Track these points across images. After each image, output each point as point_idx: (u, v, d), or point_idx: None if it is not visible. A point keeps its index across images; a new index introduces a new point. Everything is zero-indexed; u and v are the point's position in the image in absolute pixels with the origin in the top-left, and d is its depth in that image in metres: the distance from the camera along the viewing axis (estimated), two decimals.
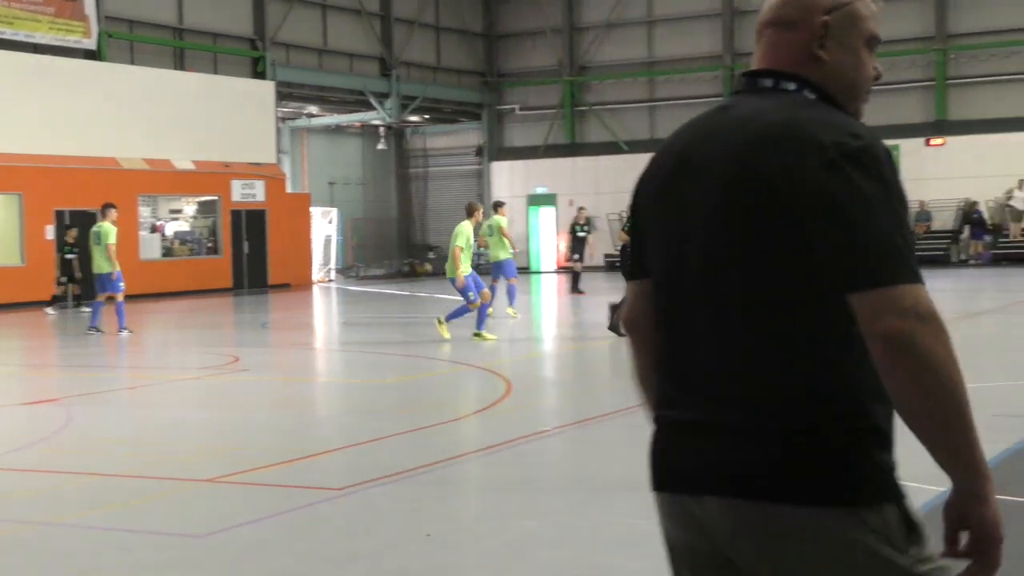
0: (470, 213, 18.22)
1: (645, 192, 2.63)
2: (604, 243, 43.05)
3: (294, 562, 6.38)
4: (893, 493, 2.34)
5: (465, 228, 17.88)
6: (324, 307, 29.71)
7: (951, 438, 2.30)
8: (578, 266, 29.70)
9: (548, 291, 33.38)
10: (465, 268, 17.50)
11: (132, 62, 33.69)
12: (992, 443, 8.71)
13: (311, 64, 40.03)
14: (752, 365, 2.35)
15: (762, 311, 2.34)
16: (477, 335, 17.55)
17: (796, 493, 2.28)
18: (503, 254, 21.80)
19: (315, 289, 35.95)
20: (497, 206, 22.88)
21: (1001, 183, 38.13)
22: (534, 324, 19.46)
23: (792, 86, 2.51)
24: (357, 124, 45.01)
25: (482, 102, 46.98)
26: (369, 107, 42.32)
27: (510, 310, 21.23)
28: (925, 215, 39.90)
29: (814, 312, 2.30)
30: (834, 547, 2.27)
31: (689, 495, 2.44)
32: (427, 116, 46.35)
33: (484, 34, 47.28)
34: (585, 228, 30.45)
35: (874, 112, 34.97)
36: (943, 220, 39.84)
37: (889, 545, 2.29)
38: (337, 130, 45.43)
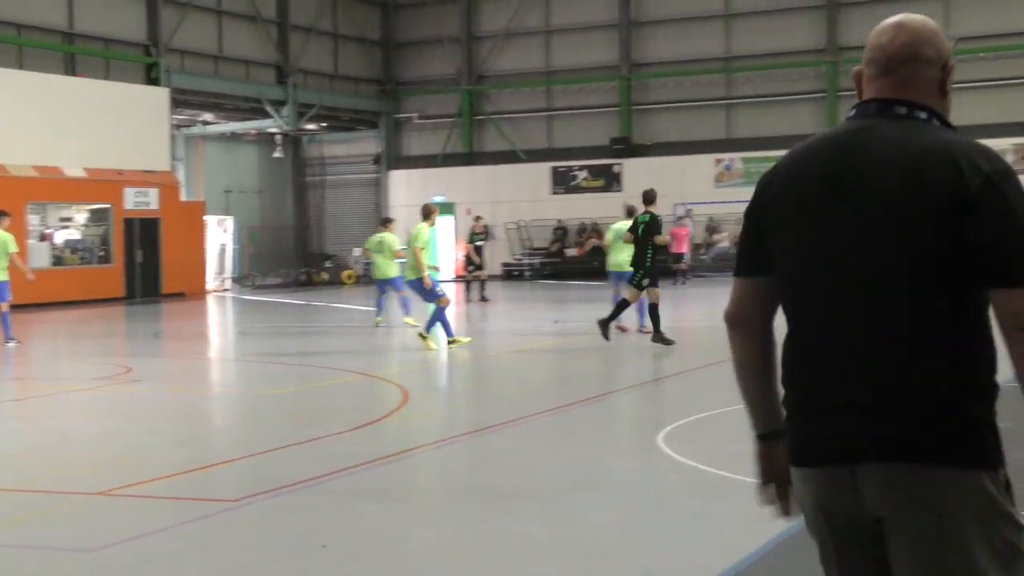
0: (427, 215, 17.78)
1: (778, 202, 2.98)
2: (502, 252, 43.21)
3: (190, 575, 6.28)
4: (1003, 459, 2.81)
5: (423, 230, 17.49)
6: (219, 317, 29.37)
7: None
8: (483, 275, 29.67)
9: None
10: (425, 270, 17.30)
11: (21, 67, 33.01)
12: None
13: (206, 71, 39.58)
14: (905, 351, 2.78)
15: (915, 306, 2.77)
16: (424, 337, 17.31)
17: (946, 456, 2.75)
18: (392, 271, 21.61)
19: (210, 298, 35.52)
20: (386, 222, 22.80)
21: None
22: (434, 333, 19.40)
23: (923, 115, 2.92)
24: (253, 132, 44.59)
25: (380, 110, 46.85)
26: (265, 115, 41.98)
27: (409, 320, 21.10)
28: None
29: (956, 307, 2.76)
30: (977, 501, 2.74)
31: (843, 465, 2.84)
32: (324, 124, 46.10)
33: (382, 42, 47.17)
34: (482, 237, 30.35)
35: (769, 123, 35.64)
36: None
37: (1007, 500, 2.79)
38: (233, 138, 44.96)
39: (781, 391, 3.07)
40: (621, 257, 18.29)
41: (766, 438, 3.19)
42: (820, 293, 2.89)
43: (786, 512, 3.31)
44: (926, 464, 2.75)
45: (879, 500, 2.81)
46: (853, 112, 3.06)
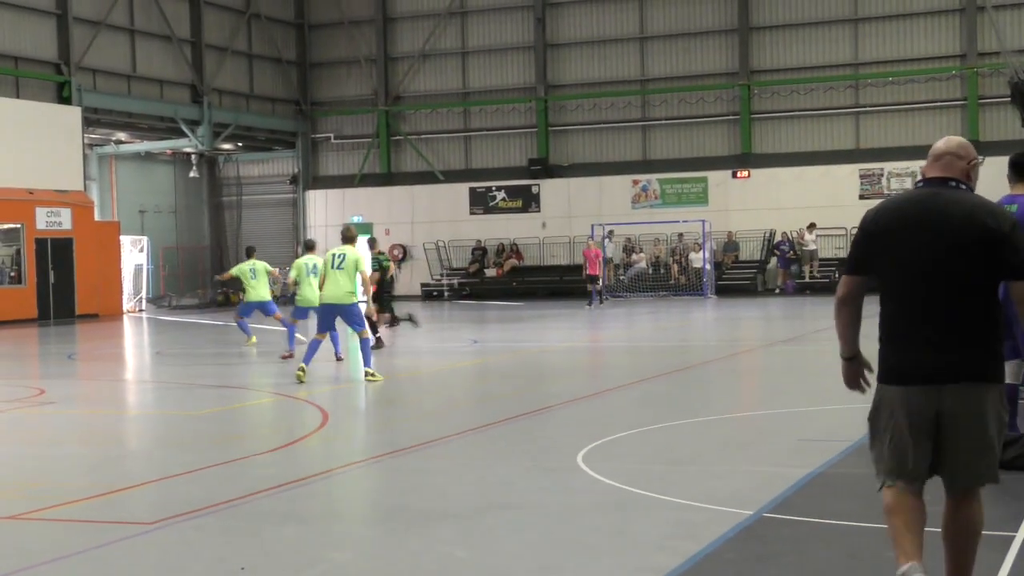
0: (351, 238, 17.03)
1: (883, 232, 5.32)
2: (421, 272, 43.17)
3: None
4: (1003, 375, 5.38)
5: (359, 253, 16.54)
6: (134, 337, 29.02)
7: None
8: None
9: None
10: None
11: None
12: (796, 467, 9.03)
13: (119, 90, 39.18)
14: (965, 316, 5.19)
15: (967, 291, 5.18)
16: (339, 359, 17.34)
17: (991, 377, 5.22)
18: (267, 294, 22.16)
19: (125, 319, 35.08)
20: (250, 252, 22.95)
21: (800, 215, 39.57)
22: (351, 354, 19.37)
23: (964, 187, 5.35)
24: (168, 151, 44.20)
25: (296, 130, 46.68)
26: (180, 134, 41.65)
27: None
28: (733, 245, 41.10)
29: (989, 292, 5.20)
30: (996, 401, 5.24)
31: (931, 385, 5.20)
32: (240, 144, 45.83)
33: (298, 62, 47.02)
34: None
35: (684, 145, 36.09)
36: (750, 250, 41.09)
37: (1004, 399, 5.39)
38: (147, 157, 44.53)
39: (852, 339, 5.60)
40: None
41: (851, 359, 5.59)
42: (911, 286, 5.26)
43: (863, 391, 5.68)
44: (976, 382, 5.19)
45: (949, 404, 5.18)
46: (921, 183, 5.44)
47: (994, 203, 5.28)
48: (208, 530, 7.63)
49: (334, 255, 16.21)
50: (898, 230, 5.26)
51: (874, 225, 5.33)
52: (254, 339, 22.38)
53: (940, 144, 5.44)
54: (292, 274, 20.29)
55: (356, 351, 17.11)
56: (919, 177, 5.68)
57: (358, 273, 16.03)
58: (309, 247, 21.36)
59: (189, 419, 13.35)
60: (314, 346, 16.40)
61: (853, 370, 5.61)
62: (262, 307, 22.31)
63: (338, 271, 15.99)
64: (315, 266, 19.43)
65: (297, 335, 20.10)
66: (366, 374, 15.93)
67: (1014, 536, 6.87)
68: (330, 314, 16.40)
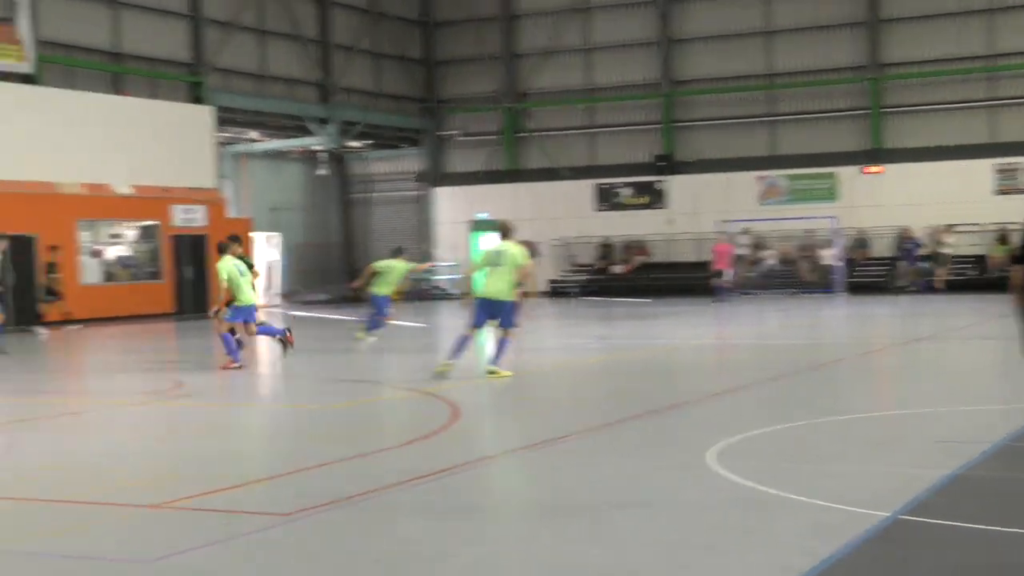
0: (508, 233, 16.45)
1: None
2: (547, 269, 43.24)
3: None
4: None
5: (518, 248, 16.30)
6: None
7: None
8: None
9: None
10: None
11: (69, 86, 33.42)
12: (934, 469, 8.84)
13: (250, 89, 39.92)
14: None
15: None
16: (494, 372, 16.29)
17: None
18: (387, 291, 22.68)
19: (260, 314, 35.66)
20: (397, 252, 23.33)
21: (933, 211, 38.72)
22: (480, 351, 19.44)
23: None
24: (298, 149, 44.91)
25: (422, 128, 47.04)
26: (309, 132, 42.27)
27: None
28: (863, 242, 40.39)
29: None
30: None
31: None
32: (368, 142, 46.34)
33: (423, 60, 47.37)
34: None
35: (812, 140, 35.66)
36: (882, 247, 40.34)
37: None
38: (278, 155, 45.29)
39: None
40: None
41: None
42: None
43: None
44: None
45: None
46: None
47: None
48: (343, 523, 7.73)
49: (495, 251, 16.10)
50: None
51: None
52: (374, 335, 22.46)
53: None
54: (223, 276, 18.76)
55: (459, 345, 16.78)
56: None
57: (516, 269, 15.89)
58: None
59: (323, 412, 13.55)
60: (464, 342, 16.25)
61: None
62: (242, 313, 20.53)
63: (498, 267, 15.88)
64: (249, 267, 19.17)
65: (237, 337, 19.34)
66: (489, 371, 15.91)
67: None
68: (487, 309, 16.13)
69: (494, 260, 15.94)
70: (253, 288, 19.20)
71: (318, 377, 17.45)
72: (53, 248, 30.49)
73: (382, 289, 22.52)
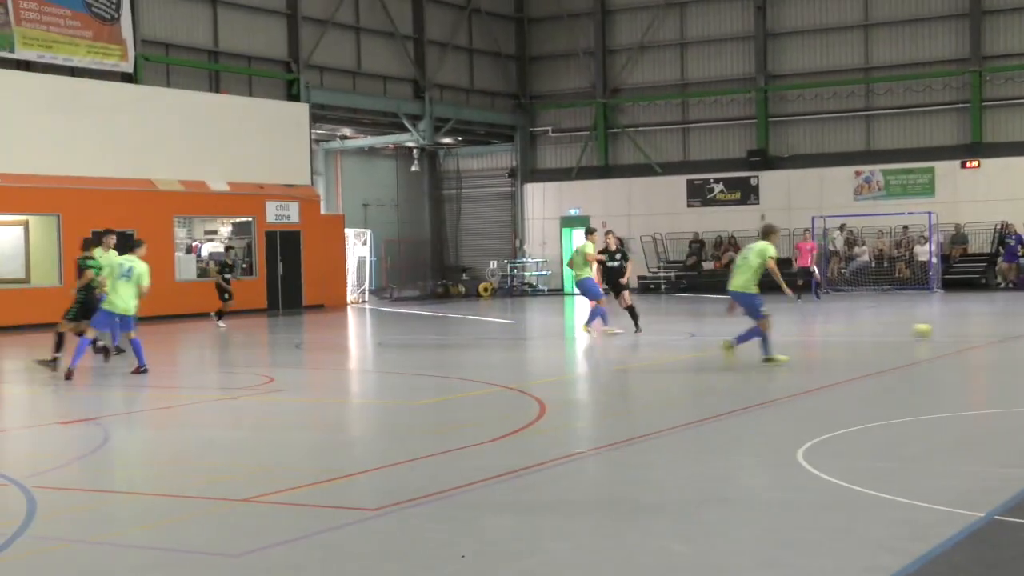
0: (768, 233, 17.04)
1: None
2: (639, 265, 43.01)
3: None
4: None
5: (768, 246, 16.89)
6: (358, 328, 29.80)
7: None
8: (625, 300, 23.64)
9: (585, 314, 33.33)
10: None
11: (168, 84, 33.99)
12: None
13: (345, 86, 40.27)
14: None
15: None
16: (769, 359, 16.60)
17: None
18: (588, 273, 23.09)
19: (349, 310, 36.06)
20: (589, 232, 23.94)
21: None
22: (568, 347, 19.50)
23: None
24: (391, 146, 45.21)
25: (515, 124, 47.10)
26: (402, 129, 42.54)
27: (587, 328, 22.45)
28: (961, 238, 39.68)
29: None
30: None
31: None
32: (460, 138, 46.53)
33: (517, 56, 47.44)
34: (616, 257, 23.76)
35: (909, 134, 35.11)
36: (980, 243, 39.61)
37: None
38: (371, 152, 45.65)
39: None
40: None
41: None
42: None
43: None
44: None
45: None
46: None
47: None
48: (429, 517, 7.77)
49: (750, 249, 16.77)
50: None
51: None
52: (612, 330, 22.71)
53: None
54: (105, 273, 17.54)
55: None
56: None
57: (758, 267, 16.53)
58: (107, 235, 19.06)
59: (411, 408, 13.64)
60: (756, 333, 16.61)
61: None
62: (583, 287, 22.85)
63: (743, 263, 16.65)
64: (130, 268, 17.05)
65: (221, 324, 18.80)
66: (766, 359, 16.44)
67: None
68: (738, 302, 16.87)
69: (744, 257, 16.83)
70: (134, 295, 17.14)
71: (408, 372, 17.55)
72: (228, 248, 31.89)
73: (584, 272, 22.85)
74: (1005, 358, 18.16)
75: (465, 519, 7.77)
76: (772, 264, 16.62)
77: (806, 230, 36.76)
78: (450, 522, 7.68)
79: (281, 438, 11.62)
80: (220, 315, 28.27)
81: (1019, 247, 37.69)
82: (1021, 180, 38.60)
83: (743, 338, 16.65)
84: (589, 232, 23.79)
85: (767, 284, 16.88)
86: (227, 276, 28.55)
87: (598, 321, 22.57)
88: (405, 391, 15.48)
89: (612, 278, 23.68)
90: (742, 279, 16.69)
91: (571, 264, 23.35)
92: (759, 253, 16.62)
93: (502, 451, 10.29)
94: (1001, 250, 38.31)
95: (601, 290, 23.00)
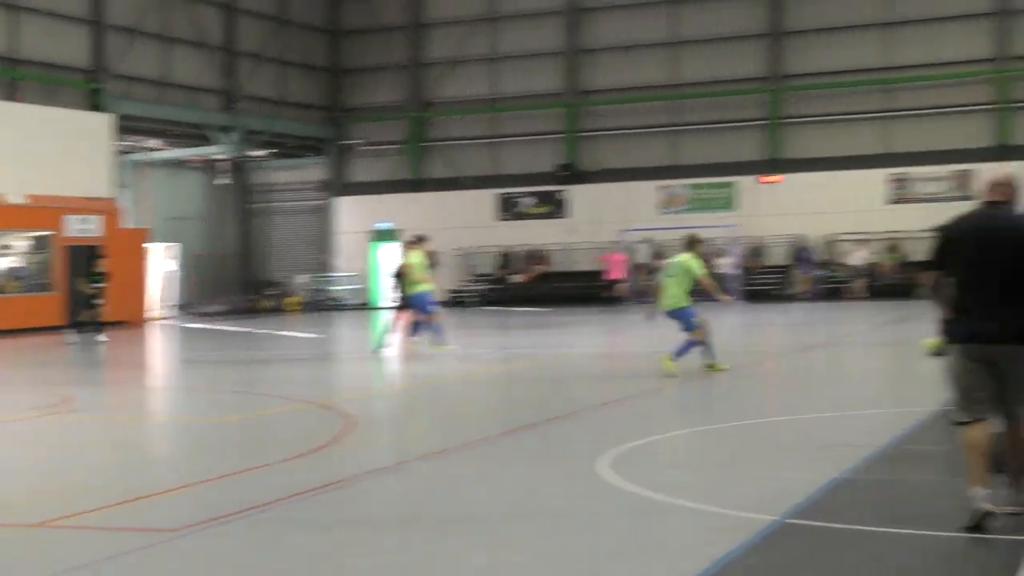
0: (693, 245, 17.36)
1: (955, 239, 7.44)
2: (447, 278, 43.18)
3: None
4: None
5: (693, 260, 16.94)
6: (163, 344, 29.16)
7: None
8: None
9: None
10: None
11: None
12: (820, 473, 8.99)
13: (152, 97, 39.41)
14: (1012, 301, 7.18)
15: (1014, 284, 7.18)
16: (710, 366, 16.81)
17: (1019, 340, 7.19)
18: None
19: (154, 326, 35.24)
20: (418, 241, 22.02)
21: (829, 220, 39.46)
22: (375, 361, 19.43)
23: (1011, 208, 7.43)
24: (198, 158, 44.38)
25: (326, 137, 46.80)
26: (212, 141, 41.81)
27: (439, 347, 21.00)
28: (760, 251, 40.95)
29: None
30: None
31: (988, 344, 7.24)
32: (271, 150, 45.96)
33: (329, 68, 47.16)
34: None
35: (711, 150, 35.90)
36: (778, 256, 40.93)
37: None
38: (178, 164, 44.70)
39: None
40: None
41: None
42: (975, 278, 7.33)
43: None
44: (1016, 345, 7.17)
45: (1002, 358, 7.22)
46: (984, 205, 7.49)
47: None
48: (232, 537, 7.66)
49: (674, 265, 16.95)
50: (966, 238, 7.50)
51: (947, 234, 7.60)
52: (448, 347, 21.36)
53: (998, 175, 7.65)
54: None
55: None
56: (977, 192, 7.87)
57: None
58: None
59: (214, 426, 13.41)
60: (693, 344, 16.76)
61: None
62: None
63: (669, 281, 16.83)
64: None
65: None
66: (708, 365, 16.63)
67: None
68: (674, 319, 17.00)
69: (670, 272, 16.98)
70: None
71: (212, 390, 17.25)
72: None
73: (417, 286, 21.30)
74: (798, 367, 18.81)
75: (268, 537, 7.68)
76: (705, 282, 16.77)
77: (616, 242, 37.28)
78: (253, 541, 7.58)
79: (77, 459, 11.28)
80: (98, 327, 27.28)
81: (812, 258, 39.08)
82: (817, 195, 40.04)
83: (681, 352, 16.69)
84: (415, 242, 21.96)
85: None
86: (98, 284, 27.57)
87: (422, 336, 21.53)
88: (210, 408, 15.21)
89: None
90: (672, 297, 16.83)
91: (400, 276, 21.96)
92: (684, 269, 16.74)
93: (308, 467, 10.20)
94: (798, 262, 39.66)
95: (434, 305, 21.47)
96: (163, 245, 39.99)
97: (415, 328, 21.61)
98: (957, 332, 7.43)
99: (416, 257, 21.38)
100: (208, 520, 8.02)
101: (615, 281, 34.74)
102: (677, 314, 16.90)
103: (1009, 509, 7.29)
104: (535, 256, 43.37)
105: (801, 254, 39.58)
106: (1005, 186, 7.50)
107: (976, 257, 7.30)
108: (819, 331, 26.50)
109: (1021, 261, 7.19)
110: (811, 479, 8.77)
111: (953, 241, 7.47)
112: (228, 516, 8.14)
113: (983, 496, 7.10)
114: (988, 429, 7.29)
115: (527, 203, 43.95)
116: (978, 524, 7.05)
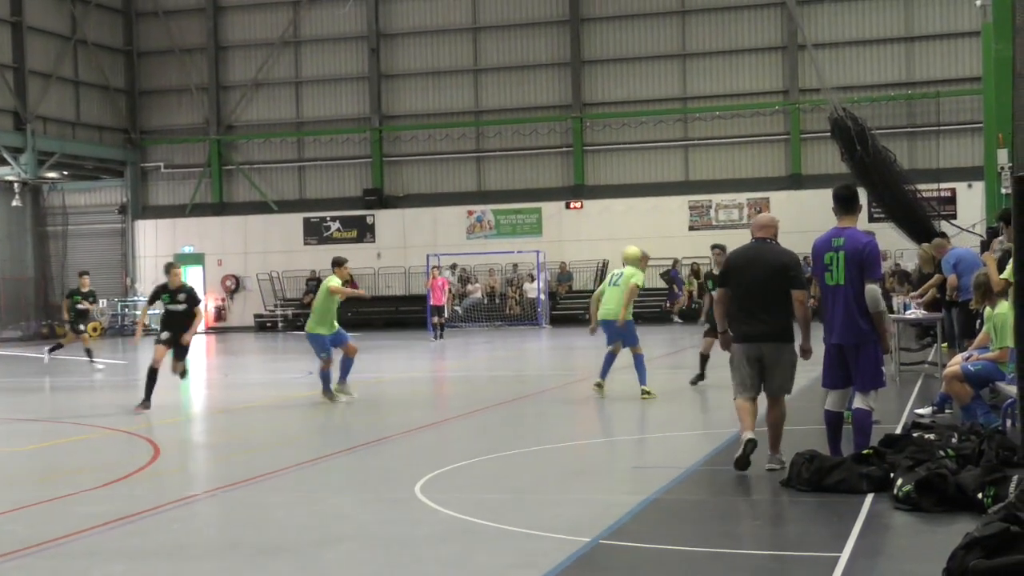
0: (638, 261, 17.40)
1: (734, 265, 10.26)
2: (255, 303, 42.61)
3: None
4: (793, 339, 10.05)
5: (638, 272, 16.99)
6: None
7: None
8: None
9: (198, 353, 32.61)
10: None
11: None
12: (632, 494, 9.16)
13: None
14: (773, 309, 9.93)
15: (778, 296, 9.93)
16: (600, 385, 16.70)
17: (783, 339, 10.00)
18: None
19: None
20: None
21: (635, 245, 40.15)
22: (182, 387, 19.00)
23: (773, 242, 10.26)
24: None
25: (125, 159, 45.73)
26: (3, 162, 40.36)
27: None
28: (567, 276, 41.54)
29: (788, 297, 9.92)
30: (789, 354, 10.06)
31: (755, 342, 10.01)
32: (67, 172, 44.64)
33: (126, 90, 46.11)
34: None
35: (519, 176, 36.27)
36: (583, 281, 41.60)
37: (794, 355, 10.09)
38: None
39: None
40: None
41: (725, 332, 10.19)
42: (745, 294, 10.01)
43: (728, 349, 10.22)
44: (778, 343, 9.96)
45: (766, 354, 9.99)
46: (753, 241, 10.26)
47: (785, 249, 10.24)
48: (34, 570, 7.41)
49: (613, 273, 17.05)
50: (739, 264, 10.17)
51: (730, 260, 10.36)
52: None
53: (762, 217, 10.46)
54: None
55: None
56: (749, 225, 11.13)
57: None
58: None
59: (11, 455, 12.92)
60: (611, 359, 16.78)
61: (726, 338, 10.22)
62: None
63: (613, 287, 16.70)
64: None
65: None
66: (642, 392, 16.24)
67: (839, 556, 7.09)
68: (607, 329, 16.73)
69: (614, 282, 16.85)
70: None
71: (10, 417, 16.62)
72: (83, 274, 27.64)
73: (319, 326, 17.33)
74: (608, 389, 19.11)
75: (74, 570, 7.44)
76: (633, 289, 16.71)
77: (435, 267, 36.95)
78: (59, 573, 7.34)
79: None
80: (88, 353, 25.54)
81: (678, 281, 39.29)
82: (618, 220, 40.86)
83: (640, 374, 16.55)
84: (337, 265, 17.57)
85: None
86: (80, 307, 25.67)
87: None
88: (6, 437, 14.63)
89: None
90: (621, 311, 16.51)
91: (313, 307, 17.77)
92: (625, 281, 16.63)
93: (113, 496, 9.92)
94: (674, 288, 39.49)
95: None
96: None
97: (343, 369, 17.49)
98: (738, 334, 10.10)
99: (333, 281, 17.19)
100: (7, 553, 7.73)
101: (438, 307, 34.31)
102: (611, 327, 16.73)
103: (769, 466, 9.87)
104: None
105: (673, 277, 39.36)
106: (769, 227, 10.28)
107: (749, 276, 10.02)
108: (624, 354, 26.95)
109: (780, 281, 9.93)
110: (624, 501, 8.92)
111: (733, 268, 10.23)
112: (29, 548, 7.86)
113: (747, 435, 9.81)
114: (754, 401, 10.06)
115: (334, 227, 43.69)
116: (744, 451, 9.75)
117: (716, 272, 19.10)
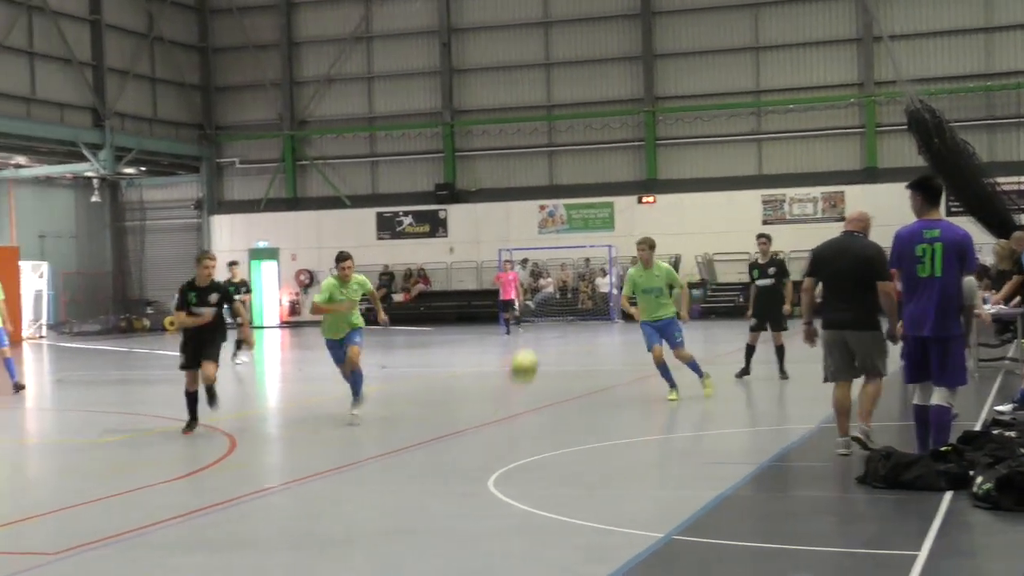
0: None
1: (823, 257, 10.67)
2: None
3: None
4: (880, 326, 10.54)
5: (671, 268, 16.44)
6: (35, 365, 28.44)
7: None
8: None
9: (272, 347, 32.94)
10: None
11: None
12: (706, 490, 9.10)
13: (18, 113, 38.50)
14: (857, 299, 10.37)
15: (862, 286, 10.36)
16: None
17: (867, 327, 10.50)
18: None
19: (25, 346, 34.39)
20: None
21: (705, 240, 40.07)
22: (258, 380, 19.17)
23: (862, 235, 10.66)
24: (69, 176, 43.46)
25: (200, 155, 46.21)
26: (82, 158, 40.99)
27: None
28: None
29: (872, 287, 10.31)
30: (876, 340, 10.54)
31: (840, 329, 10.50)
32: (143, 168, 45.23)
33: (201, 86, 46.60)
34: (768, 272, 19.02)
35: (590, 171, 36.20)
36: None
37: (881, 340, 10.59)
38: (47, 181, 43.73)
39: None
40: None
41: (809, 324, 10.78)
42: (832, 284, 10.54)
43: (812, 343, 10.81)
44: (861, 331, 10.45)
45: (850, 339, 10.48)
46: (843, 233, 10.74)
47: (868, 240, 10.64)
48: (112, 560, 7.51)
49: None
50: (828, 255, 10.59)
51: (819, 251, 10.72)
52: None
53: (856, 212, 10.89)
54: None
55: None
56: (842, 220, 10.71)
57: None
58: None
59: (91, 447, 13.12)
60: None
61: (810, 329, 10.77)
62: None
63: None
64: None
65: None
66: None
67: (917, 554, 7.00)
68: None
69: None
70: None
71: (90, 410, 16.88)
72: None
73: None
74: (681, 384, 18.99)
75: (150, 560, 7.54)
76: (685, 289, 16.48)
77: (507, 261, 37.05)
78: (136, 563, 7.44)
79: None
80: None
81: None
82: (690, 214, 40.64)
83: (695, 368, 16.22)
84: (341, 260, 15.49)
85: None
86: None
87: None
88: (86, 429, 14.86)
89: (769, 305, 18.45)
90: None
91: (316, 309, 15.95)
92: (667, 276, 16.25)
93: (191, 488, 10.05)
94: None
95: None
96: (32, 263, 39.07)
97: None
98: (824, 321, 10.55)
99: (330, 283, 15.58)
100: (89, 543, 7.85)
101: (508, 302, 34.26)
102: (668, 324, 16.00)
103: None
104: (415, 275, 43.30)
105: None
106: (858, 221, 10.69)
107: (839, 265, 10.45)
108: (697, 349, 26.82)
109: (867, 271, 10.31)
110: (697, 496, 8.87)
111: (822, 258, 10.65)
112: (110, 538, 7.98)
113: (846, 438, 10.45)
114: (848, 386, 10.49)
115: (406, 222, 43.87)
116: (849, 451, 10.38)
117: (761, 262, 19.03)
